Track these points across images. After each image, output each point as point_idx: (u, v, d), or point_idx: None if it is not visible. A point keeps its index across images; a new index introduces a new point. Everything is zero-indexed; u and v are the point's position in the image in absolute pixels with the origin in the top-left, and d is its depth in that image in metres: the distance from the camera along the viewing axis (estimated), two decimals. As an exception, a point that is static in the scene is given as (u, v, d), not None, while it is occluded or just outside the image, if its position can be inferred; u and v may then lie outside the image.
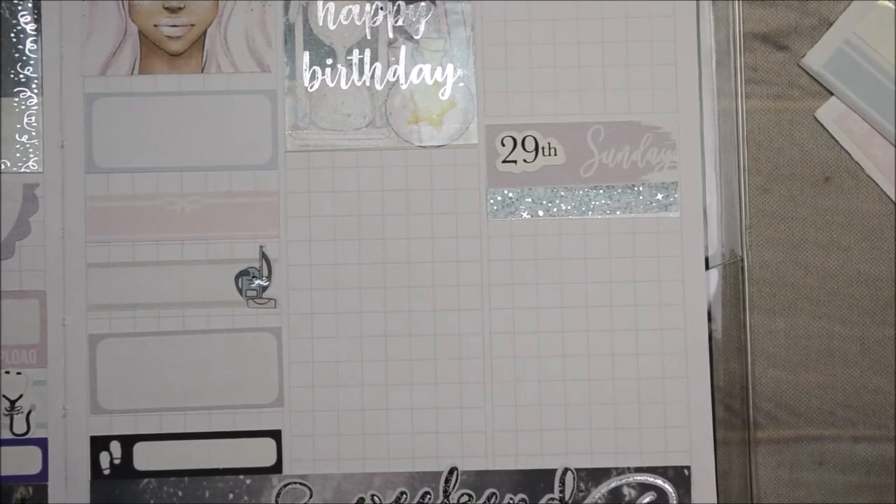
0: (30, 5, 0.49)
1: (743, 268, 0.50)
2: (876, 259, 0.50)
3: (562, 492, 0.49)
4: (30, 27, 0.49)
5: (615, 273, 0.49)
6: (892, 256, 0.50)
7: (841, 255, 0.50)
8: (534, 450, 0.49)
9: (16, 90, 0.49)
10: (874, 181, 0.50)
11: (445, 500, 0.49)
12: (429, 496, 0.49)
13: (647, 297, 0.49)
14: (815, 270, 0.50)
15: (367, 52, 0.50)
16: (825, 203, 0.51)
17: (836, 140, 0.49)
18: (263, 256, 0.49)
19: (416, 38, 0.50)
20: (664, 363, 0.49)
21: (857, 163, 0.50)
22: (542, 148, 0.49)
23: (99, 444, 0.49)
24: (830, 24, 0.50)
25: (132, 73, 0.49)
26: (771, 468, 0.50)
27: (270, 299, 0.49)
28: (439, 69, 0.50)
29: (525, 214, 0.49)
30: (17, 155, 0.49)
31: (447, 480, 0.49)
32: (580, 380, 0.49)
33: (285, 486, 0.49)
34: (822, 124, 0.49)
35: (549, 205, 0.49)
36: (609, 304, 0.49)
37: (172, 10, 0.50)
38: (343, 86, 0.50)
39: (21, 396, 0.49)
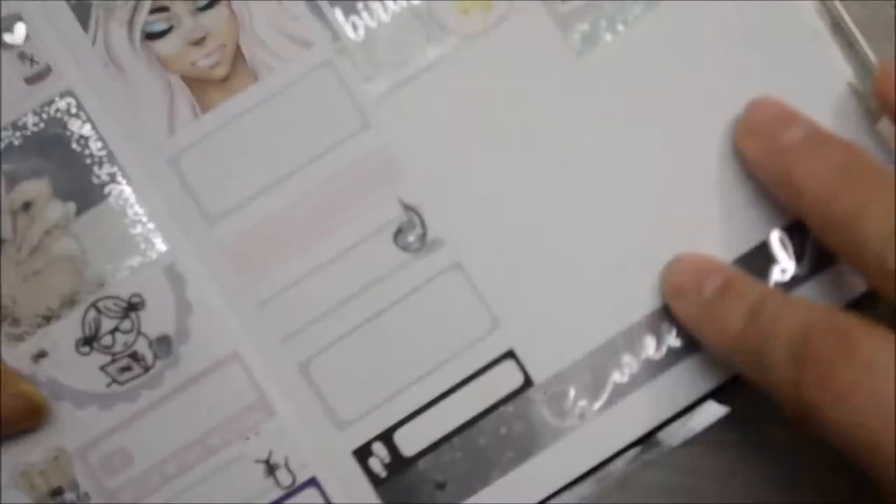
0: (74, 110, 0.48)
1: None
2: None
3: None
4: (85, 130, 0.48)
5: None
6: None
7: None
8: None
9: (105, 192, 0.48)
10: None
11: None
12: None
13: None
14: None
15: (389, -21, 0.49)
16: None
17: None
18: (407, 207, 0.49)
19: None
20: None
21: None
22: None
23: (362, 453, 0.48)
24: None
25: (196, 117, 0.49)
26: None
27: (435, 240, 0.49)
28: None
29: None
30: (143, 246, 0.48)
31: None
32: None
33: (544, 393, 0.48)
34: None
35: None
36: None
37: (198, 42, 0.49)
38: (385, 20, 0.49)
39: (271, 453, 0.48)
